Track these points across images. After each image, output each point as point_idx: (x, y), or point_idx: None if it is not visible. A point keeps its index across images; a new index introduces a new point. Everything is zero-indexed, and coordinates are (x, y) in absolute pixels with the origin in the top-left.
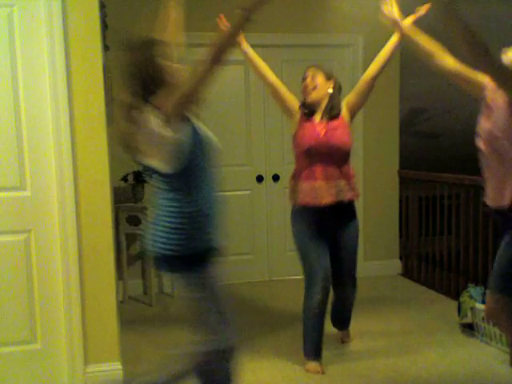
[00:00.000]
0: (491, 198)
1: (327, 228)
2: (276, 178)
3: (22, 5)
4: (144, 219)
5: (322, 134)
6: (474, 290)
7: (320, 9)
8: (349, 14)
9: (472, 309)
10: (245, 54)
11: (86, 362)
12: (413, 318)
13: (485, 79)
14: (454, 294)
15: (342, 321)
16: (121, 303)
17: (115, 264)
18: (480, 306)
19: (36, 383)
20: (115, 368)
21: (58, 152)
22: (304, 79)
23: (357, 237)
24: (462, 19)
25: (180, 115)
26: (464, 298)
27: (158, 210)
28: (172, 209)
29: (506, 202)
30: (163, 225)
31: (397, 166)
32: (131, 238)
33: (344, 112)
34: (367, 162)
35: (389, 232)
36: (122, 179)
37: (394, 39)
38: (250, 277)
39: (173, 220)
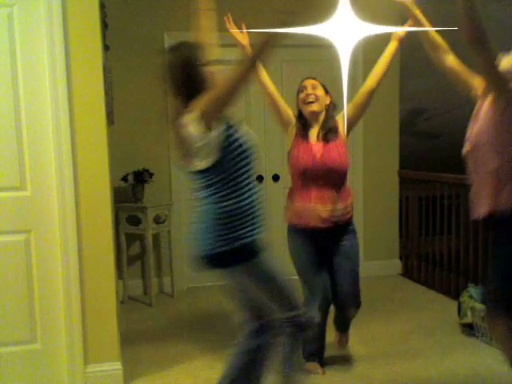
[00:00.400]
0: (477, 205)
1: (322, 249)
2: (276, 178)
3: (22, 5)
4: (144, 219)
5: (319, 155)
6: (473, 290)
7: (320, 9)
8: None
9: (472, 309)
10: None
11: (86, 362)
12: (413, 318)
13: (479, 84)
14: (454, 293)
15: (340, 325)
16: (121, 303)
17: (115, 264)
18: (480, 306)
19: (36, 383)
20: (115, 368)
21: (58, 152)
22: (302, 90)
23: (355, 256)
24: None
25: (214, 115)
26: (464, 298)
27: (199, 211)
28: (214, 206)
29: (500, 208)
30: (208, 223)
31: (397, 166)
32: (131, 238)
33: (341, 128)
34: (367, 161)
35: (389, 232)
36: (122, 179)
37: (391, 47)
38: None
39: (216, 217)
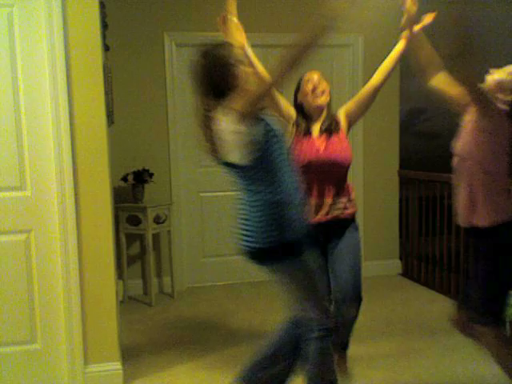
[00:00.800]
0: (461, 215)
1: (323, 250)
2: None
3: (21, 5)
4: (144, 219)
5: (322, 148)
6: None
7: (320, 9)
8: (349, 14)
9: None
10: (244, 52)
11: (86, 362)
12: (413, 318)
13: (465, 97)
14: (454, 293)
15: (339, 338)
16: (121, 303)
17: (115, 264)
18: None
19: (36, 383)
20: (115, 368)
21: (58, 152)
22: (306, 82)
23: (357, 249)
24: (467, 34)
25: (253, 112)
26: None
27: (245, 206)
28: (257, 202)
29: (480, 223)
30: (252, 219)
31: (397, 166)
32: (131, 238)
33: (343, 123)
34: (367, 161)
35: (389, 232)
36: (122, 179)
37: (399, 47)
38: (250, 277)
39: (260, 213)
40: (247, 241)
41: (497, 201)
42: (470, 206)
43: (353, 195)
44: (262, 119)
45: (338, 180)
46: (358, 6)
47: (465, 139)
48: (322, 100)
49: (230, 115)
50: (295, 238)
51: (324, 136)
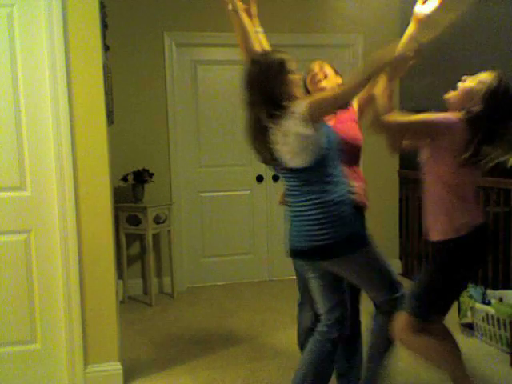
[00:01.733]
0: (426, 228)
1: None
2: (276, 177)
3: (22, 5)
4: (144, 219)
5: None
6: (473, 290)
7: (320, 9)
8: (349, 14)
9: (472, 309)
10: (235, 11)
11: (86, 362)
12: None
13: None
14: None
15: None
16: (121, 303)
17: (115, 264)
18: (480, 306)
19: (36, 383)
20: (115, 368)
21: (58, 152)
22: (308, 72)
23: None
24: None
25: (321, 118)
26: (464, 298)
27: (301, 207)
28: (315, 201)
29: (434, 238)
30: (312, 218)
31: (397, 166)
32: (131, 238)
33: (354, 105)
34: (367, 161)
35: (389, 232)
36: (122, 179)
37: (410, 28)
38: (250, 277)
39: (319, 211)
40: (312, 239)
41: (450, 218)
42: (428, 219)
43: (365, 185)
44: (325, 123)
45: (351, 162)
46: (358, 5)
47: (424, 154)
48: (323, 84)
49: (297, 120)
50: (358, 229)
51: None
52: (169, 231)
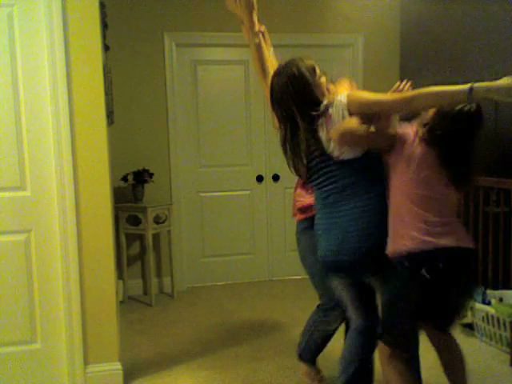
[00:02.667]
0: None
1: None
2: (276, 178)
3: (21, 5)
4: (144, 219)
5: None
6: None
7: (320, 9)
8: (349, 14)
9: (472, 309)
10: (256, 35)
11: (86, 362)
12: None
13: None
14: None
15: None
16: (121, 303)
17: (115, 264)
18: (480, 306)
19: (36, 383)
20: (115, 368)
21: (58, 152)
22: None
23: None
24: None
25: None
26: None
27: (359, 207)
28: (379, 195)
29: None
30: (354, 228)
31: None
32: (131, 238)
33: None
34: None
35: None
36: (122, 179)
37: None
38: (250, 277)
39: (362, 220)
40: (358, 250)
41: (404, 232)
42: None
43: None
44: None
45: None
46: (358, 5)
47: (387, 168)
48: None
49: (339, 107)
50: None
51: None
52: (169, 231)
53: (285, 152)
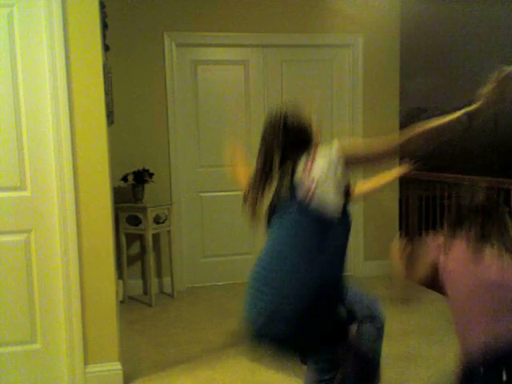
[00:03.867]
0: None
1: None
2: None
3: (21, 5)
4: (144, 219)
5: None
6: None
7: (320, 9)
8: (349, 14)
9: None
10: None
11: (86, 362)
12: (413, 318)
13: None
14: None
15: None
16: (121, 303)
17: (115, 264)
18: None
19: (36, 383)
20: (115, 368)
21: (58, 152)
22: None
23: None
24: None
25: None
26: None
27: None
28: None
29: None
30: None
31: (396, 166)
32: (131, 238)
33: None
34: None
35: (389, 232)
36: (122, 179)
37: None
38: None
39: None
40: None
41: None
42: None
43: None
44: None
45: None
46: (358, 5)
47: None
48: None
49: (329, 156)
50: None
51: None
52: (169, 231)
53: (253, 188)
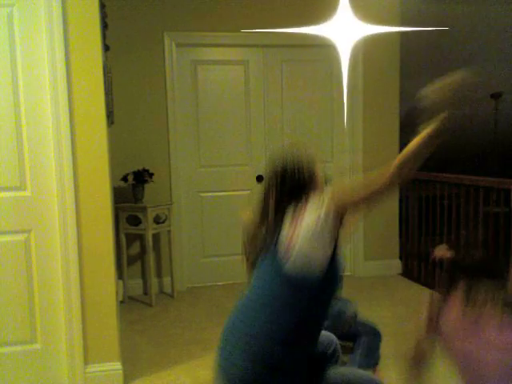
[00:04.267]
0: None
1: None
2: None
3: (21, 5)
4: (144, 219)
5: None
6: None
7: (320, 9)
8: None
9: None
10: None
11: (86, 362)
12: (413, 318)
13: None
14: None
15: None
16: (121, 303)
17: (115, 264)
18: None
19: (36, 383)
20: (115, 368)
21: (58, 152)
22: None
23: None
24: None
25: (340, 214)
26: None
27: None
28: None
29: None
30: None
31: None
32: (131, 238)
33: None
34: (367, 162)
35: (389, 232)
36: (122, 179)
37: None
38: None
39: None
40: None
41: None
42: None
43: None
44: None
45: None
46: (358, 6)
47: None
48: None
49: (318, 207)
50: None
51: None
52: (169, 231)
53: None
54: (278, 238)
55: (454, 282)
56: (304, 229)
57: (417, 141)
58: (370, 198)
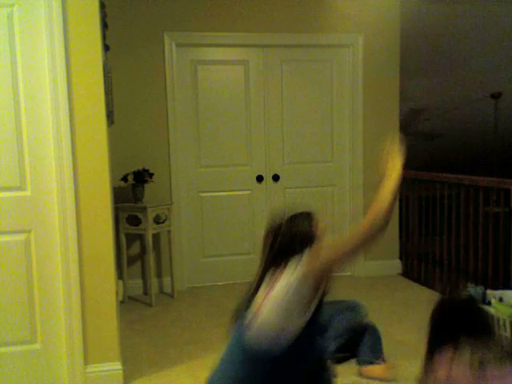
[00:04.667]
0: None
1: None
2: (276, 178)
3: (22, 5)
4: (144, 219)
5: None
6: (473, 290)
7: (320, 9)
8: (349, 13)
9: None
10: None
11: (86, 362)
12: (413, 318)
13: None
14: None
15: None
16: (121, 303)
17: (115, 264)
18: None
19: (36, 383)
20: (115, 368)
21: (58, 152)
22: None
23: None
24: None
25: (320, 277)
26: None
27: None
28: None
29: None
30: None
31: None
32: (131, 238)
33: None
34: (367, 161)
35: (389, 232)
36: (122, 179)
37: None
38: (250, 277)
39: None
40: None
41: None
42: None
43: None
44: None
45: None
46: (358, 5)
47: None
48: None
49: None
50: None
51: None
52: (169, 231)
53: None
54: (250, 303)
55: (437, 346)
56: (273, 296)
57: (389, 186)
58: (351, 253)
